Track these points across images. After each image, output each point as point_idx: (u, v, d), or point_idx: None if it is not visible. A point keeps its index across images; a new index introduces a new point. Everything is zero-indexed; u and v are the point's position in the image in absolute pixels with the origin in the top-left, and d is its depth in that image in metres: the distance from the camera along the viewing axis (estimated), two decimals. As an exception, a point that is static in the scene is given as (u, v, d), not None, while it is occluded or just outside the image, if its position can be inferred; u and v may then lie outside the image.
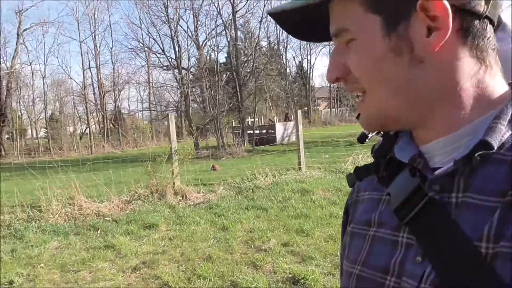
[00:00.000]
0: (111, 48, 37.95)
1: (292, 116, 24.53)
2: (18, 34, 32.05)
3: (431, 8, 0.47)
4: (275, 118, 29.66)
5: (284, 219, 5.45)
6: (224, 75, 25.70)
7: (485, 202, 0.46)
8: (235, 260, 4.17)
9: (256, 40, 28.42)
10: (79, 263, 4.37)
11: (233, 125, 27.58)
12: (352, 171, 0.63)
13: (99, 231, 5.52)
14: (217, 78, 24.43)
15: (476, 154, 0.47)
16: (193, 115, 28.56)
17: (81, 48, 41.87)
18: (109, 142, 31.10)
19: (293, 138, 17.99)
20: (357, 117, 0.58)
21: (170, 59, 28.20)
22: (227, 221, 5.56)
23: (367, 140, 0.64)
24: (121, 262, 4.36)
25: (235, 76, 25.55)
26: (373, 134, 0.62)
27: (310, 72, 39.76)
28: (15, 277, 4.08)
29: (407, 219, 0.51)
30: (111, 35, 41.18)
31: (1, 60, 32.20)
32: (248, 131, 23.36)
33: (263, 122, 29.81)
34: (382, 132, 0.61)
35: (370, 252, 0.57)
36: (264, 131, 23.08)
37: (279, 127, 22.32)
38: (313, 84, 41.29)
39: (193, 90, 28.85)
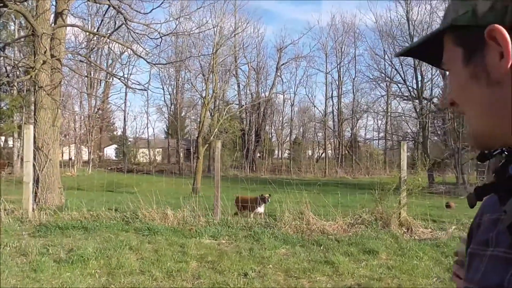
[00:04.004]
0: (353, 79, 39.47)
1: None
2: (276, 68, 37.50)
3: (498, 37, 0.51)
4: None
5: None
6: (472, 106, 23.24)
7: None
8: (458, 306, 3.74)
9: None
10: (300, 271, 4.75)
11: (478, 161, 24.52)
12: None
13: (321, 247, 5.85)
14: (462, 109, 22.34)
15: None
16: (432, 148, 26.83)
17: (326, 79, 45.12)
18: (342, 168, 32.41)
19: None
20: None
21: (411, 89, 27.49)
22: (456, 263, 5.01)
23: (489, 159, 0.63)
24: (337, 279, 4.52)
25: (485, 107, 22.76)
26: (495, 153, 0.61)
27: None
28: (249, 271, 4.76)
29: None
30: (355, 66, 42.66)
31: (261, 90, 38.19)
32: (497, 170, 20.30)
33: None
34: (506, 152, 0.60)
35: (485, 272, 0.57)
36: (518, 172, 19.64)
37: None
38: None
39: (435, 121, 27.17)
